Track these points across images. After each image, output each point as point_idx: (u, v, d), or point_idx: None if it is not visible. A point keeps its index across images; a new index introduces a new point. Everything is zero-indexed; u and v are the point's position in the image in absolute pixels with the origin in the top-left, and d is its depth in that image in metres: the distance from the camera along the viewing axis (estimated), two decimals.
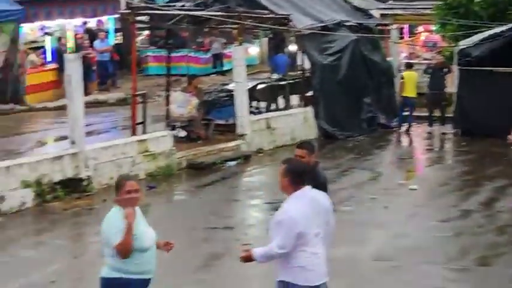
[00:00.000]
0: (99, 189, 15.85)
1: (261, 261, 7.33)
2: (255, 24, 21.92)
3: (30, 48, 27.87)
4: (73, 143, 15.83)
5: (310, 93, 22.18)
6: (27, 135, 21.95)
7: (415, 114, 23.06)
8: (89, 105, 19.90)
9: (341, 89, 22.13)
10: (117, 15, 29.50)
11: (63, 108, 20.27)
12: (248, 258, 7.36)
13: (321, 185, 9.09)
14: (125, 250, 7.22)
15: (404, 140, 22.61)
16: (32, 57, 27.57)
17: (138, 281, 7.38)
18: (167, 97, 19.82)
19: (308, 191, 7.35)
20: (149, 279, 7.52)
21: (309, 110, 21.88)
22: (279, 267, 7.27)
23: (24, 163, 15.05)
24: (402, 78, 23.33)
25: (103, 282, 7.41)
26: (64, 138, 18.89)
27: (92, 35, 30.88)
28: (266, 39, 37.80)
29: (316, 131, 21.76)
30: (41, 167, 15.10)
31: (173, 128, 19.21)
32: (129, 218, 7.21)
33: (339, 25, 22.64)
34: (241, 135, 19.59)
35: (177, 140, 18.54)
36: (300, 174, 7.35)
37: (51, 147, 19.78)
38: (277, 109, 22.43)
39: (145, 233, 7.45)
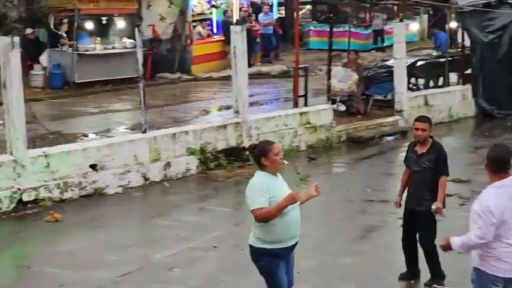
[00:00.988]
0: None
1: (460, 251, 7.13)
2: (416, 0, 21.88)
3: (197, 20, 28.73)
4: (237, 112, 16.28)
5: (469, 71, 22.03)
6: (193, 104, 22.59)
7: None
8: (252, 76, 20.37)
9: (501, 67, 21.79)
10: None
11: (227, 78, 20.89)
12: (447, 247, 7.15)
13: (442, 160, 9.27)
14: (265, 219, 7.35)
15: None
16: (199, 28, 28.45)
17: (279, 250, 7.52)
18: (329, 71, 20.13)
19: (509, 181, 6.93)
20: (292, 245, 7.63)
21: (468, 88, 21.76)
22: (474, 254, 7.05)
23: (190, 131, 15.54)
24: None
25: (250, 249, 7.65)
26: (228, 107, 19.48)
27: (256, 8, 31.51)
28: (426, 15, 37.47)
29: (474, 109, 21.67)
30: (206, 135, 15.60)
31: (333, 102, 19.51)
32: (290, 199, 7.30)
33: (502, 2, 22.21)
34: (399, 111, 19.71)
35: (337, 113, 18.86)
36: (502, 163, 6.91)
37: (215, 116, 20.29)
38: (435, 86, 22.39)
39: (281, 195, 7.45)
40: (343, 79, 19.66)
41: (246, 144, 16.09)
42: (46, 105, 22.11)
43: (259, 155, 7.59)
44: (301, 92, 18.81)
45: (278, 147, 7.69)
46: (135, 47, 17.61)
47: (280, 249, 7.54)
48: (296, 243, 7.68)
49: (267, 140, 8.14)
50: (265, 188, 7.41)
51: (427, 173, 9.33)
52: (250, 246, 7.65)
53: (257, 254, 7.61)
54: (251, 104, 18.32)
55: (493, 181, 6.95)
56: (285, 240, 7.53)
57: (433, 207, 9.25)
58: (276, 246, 7.50)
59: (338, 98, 19.69)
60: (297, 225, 7.60)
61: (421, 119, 9.51)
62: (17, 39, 12.76)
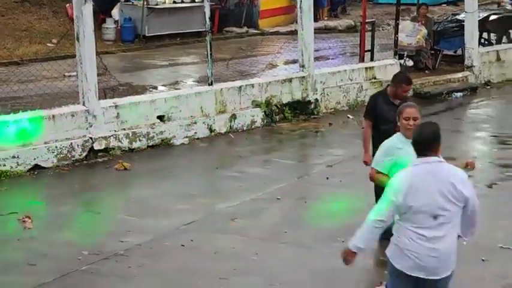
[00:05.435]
0: (326, 113, 16.34)
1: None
2: None
3: None
4: (302, 66, 16.29)
5: None
6: (259, 58, 22.60)
7: None
8: (318, 31, 20.30)
9: None
10: None
11: (293, 33, 20.86)
12: None
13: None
14: (373, 180, 8.06)
15: None
16: None
17: None
18: (396, 26, 19.98)
19: (426, 163, 6.04)
20: None
21: None
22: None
23: (256, 84, 15.57)
24: None
25: None
26: (294, 62, 19.47)
27: None
28: None
29: None
30: (271, 88, 15.65)
31: (401, 57, 19.36)
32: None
33: None
34: (469, 67, 19.50)
35: (404, 69, 18.69)
36: (418, 143, 6.17)
37: (281, 69, 20.21)
38: (509, 41, 22.02)
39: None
40: (411, 34, 19.47)
41: (311, 98, 16.16)
42: (117, 58, 22.39)
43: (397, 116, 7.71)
44: (368, 47, 18.71)
45: (409, 112, 7.47)
46: (203, 1, 17.70)
47: None
48: None
49: (408, 102, 8.08)
50: (391, 151, 7.67)
51: None
52: None
53: None
54: (317, 58, 18.28)
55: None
56: None
57: None
58: None
59: (405, 53, 19.52)
60: None
61: (411, 81, 9.25)
62: None
